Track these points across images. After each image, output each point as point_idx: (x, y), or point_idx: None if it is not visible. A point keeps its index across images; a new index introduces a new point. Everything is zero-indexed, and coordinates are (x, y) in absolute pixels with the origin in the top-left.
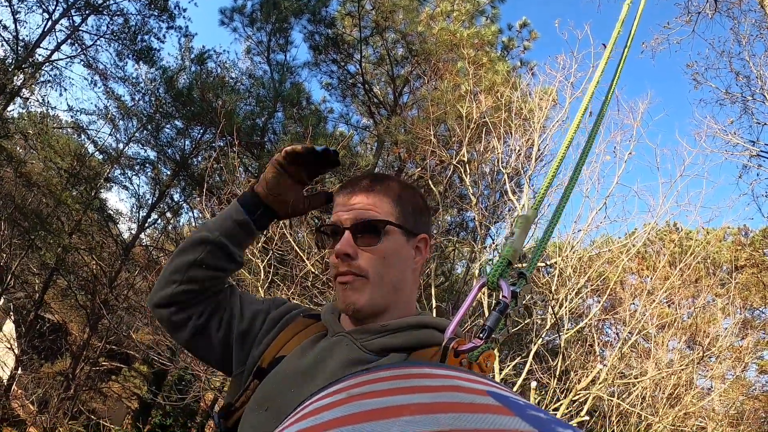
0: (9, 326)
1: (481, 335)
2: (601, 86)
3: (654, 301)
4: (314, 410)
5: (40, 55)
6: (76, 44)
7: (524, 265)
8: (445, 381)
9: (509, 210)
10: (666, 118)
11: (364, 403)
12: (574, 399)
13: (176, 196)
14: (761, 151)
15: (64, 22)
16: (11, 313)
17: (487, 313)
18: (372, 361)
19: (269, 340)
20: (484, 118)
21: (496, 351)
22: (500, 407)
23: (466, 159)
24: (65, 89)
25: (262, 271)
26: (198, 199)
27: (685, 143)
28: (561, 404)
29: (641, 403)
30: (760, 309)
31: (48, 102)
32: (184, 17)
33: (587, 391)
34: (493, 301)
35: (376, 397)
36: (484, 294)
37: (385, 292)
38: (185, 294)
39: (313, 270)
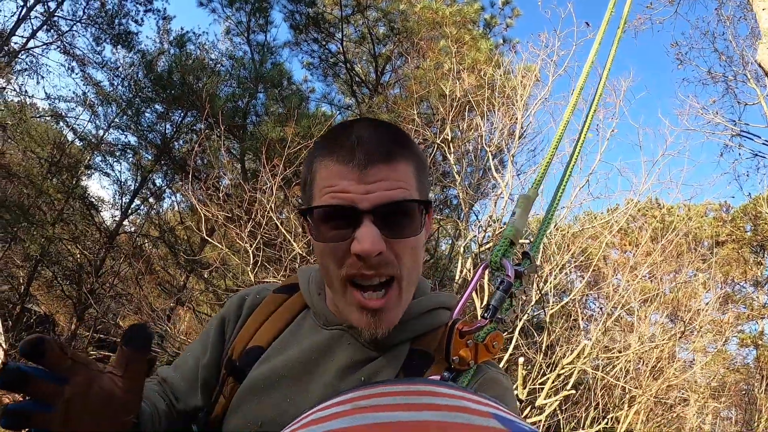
0: None
1: (485, 315)
2: (592, 66)
3: (637, 276)
4: (319, 419)
5: (15, 43)
6: (52, 30)
7: (527, 242)
8: (451, 401)
9: (493, 187)
10: (648, 96)
11: (369, 416)
12: (560, 373)
13: (159, 181)
14: (742, 131)
15: (39, 8)
16: None
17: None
18: (378, 357)
19: (237, 330)
20: (467, 96)
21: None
22: (503, 431)
23: (449, 137)
24: (42, 77)
25: (251, 255)
26: (180, 183)
27: (668, 122)
28: (548, 378)
29: (625, 376)
30: (741, 284)
31: (26, 91)
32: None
33: (572, 365)
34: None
35: (382, 411)
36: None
37: (410, 294)
38: None
39: (300, 252)
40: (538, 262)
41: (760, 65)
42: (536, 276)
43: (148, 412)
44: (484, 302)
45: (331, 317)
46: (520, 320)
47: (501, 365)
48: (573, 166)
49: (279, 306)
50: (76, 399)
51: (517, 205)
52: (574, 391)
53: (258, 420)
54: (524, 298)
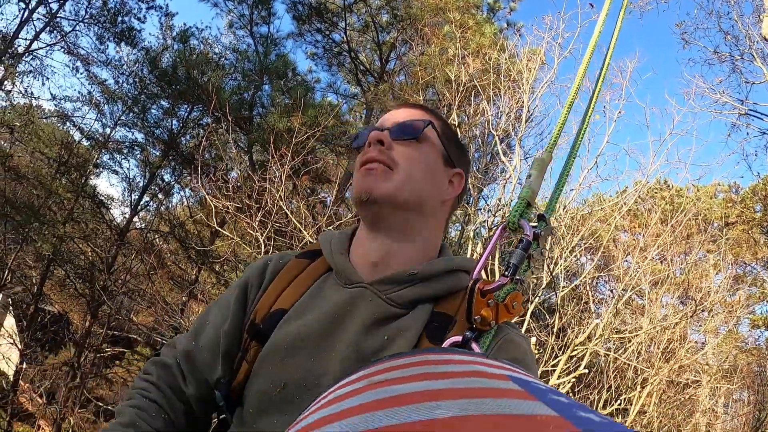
0: (10, 321)
1: (506, 273)
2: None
3: (646, 258)
4: (336, 398)
5: (19, 45)
6: (55, 31)
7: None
8: (466, 367)
9: (501, 171)
10: (654, 77)
11: (384, 389)
12: (571, 355)
13: (167, 177)
14: (750, 110)
15: (41, 9)
16: (11, 308)
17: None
18: (401, 315)
19: (261, 294)
20: (473, 81)
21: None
22: (522, 392)
23: (456, 123)
24: (47, 78)
25: (263, 244)
26: (189, 177)
27: (675, 102)
28: (559, 360)
29: (637, 357)
30: (751, 265)
31: (32, 93)
32: None
33: (584, 347)
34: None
35: (397, 383)
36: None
37: (410, 194)
38: None
39: (311, 240)
40: (554, 224)
41: (765, 38)
42: (547, 253)
43: None
44: (498, 266)
45: (353, 275)
46: (531, 303)
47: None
48: (587, 128)
49: (302, 271)
50: None
51: (533, 167)
52: (586, 371)
53: (281, 381)
54: (535, 281)
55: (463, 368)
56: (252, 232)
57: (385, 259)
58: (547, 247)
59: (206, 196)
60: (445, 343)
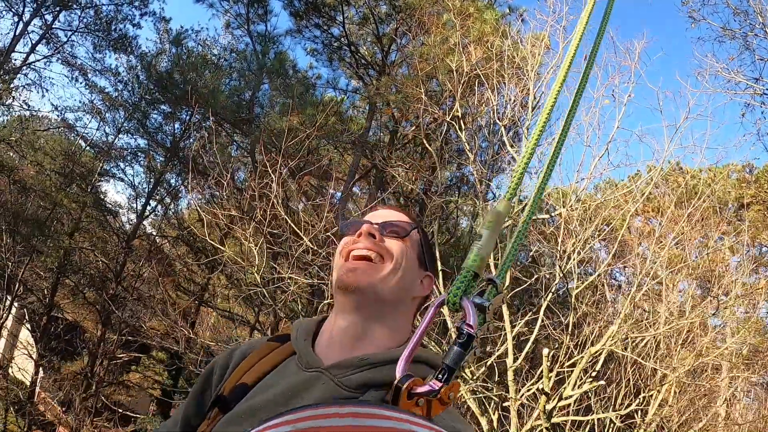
0: (24, 333)
1: (440, 376)
2: (592, 27)
3: (663, 245)
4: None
5: (16, 59)
6: (51, 43)
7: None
8: (398, 424)
9: (509, 162)
10: (664, 58)
11: None
12: (588, 361)
13: (172, 181)
14: (766, 90)
15: (36, 22)
16: (25, 320)
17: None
18: (350, 398)
19: (229, 372)
20: (476, 70)
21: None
22: None
23: (459, 114)
24: (47, 90)
25: (257, 256)
26: (192, 182)
27: (688, 84)
28: (574, 363)
29: (656, 350)
30: None
31: (31, 105)
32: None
33: (602, 347)
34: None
35: None
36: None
37: (393, 288)
38: None
39: (311, 245)
40: (506, 284)
41: None
42: (560, 251)
43: None
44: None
45: (312, 360)
46: (544, 300)
47: (524, 352)
48: (551, 169)
49: (270, 352)
50: None
51: (485, 224)
52: (602, 383)
53: None
54: (548, 276)
55: (394, 425)
56: (245, 242)
57: (354, 341)
58: (491, 321)
59: (198, 210)
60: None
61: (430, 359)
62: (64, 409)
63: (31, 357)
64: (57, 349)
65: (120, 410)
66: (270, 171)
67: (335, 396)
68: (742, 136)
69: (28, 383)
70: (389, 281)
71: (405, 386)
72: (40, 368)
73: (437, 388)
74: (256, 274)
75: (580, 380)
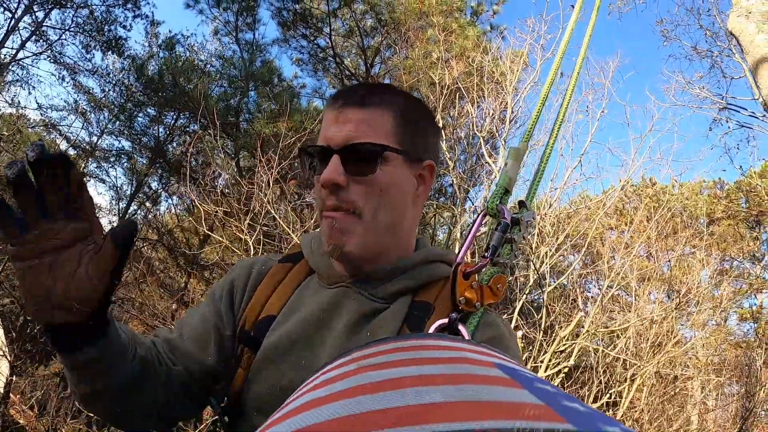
0: None
1: (486, 254)
2: (572, 47)
3: (631, 254)
4: (325, 381)
5: (5, 55)
6: (42, 40)
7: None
8: (453, 353)
9: (486, 173)
10: (636, 76)
11: (374, 374)
12: (559, 350)
13: (154, 185)
14: (729, 104)
15: (27, 18)
16: (0, 321)
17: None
18: (383, 310)
19: (247, 299)
20: (457, 83)
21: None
22: (508, 380)
23: (440, 125)
24: (33, 87)
25: (252, 247)
26: (176, 185)
27: (654, 99)
28: (546, 354)
29: (625, 353)
30: (738, 260)
31: (18, 102)
32: (149, 3)
33: (572, 342)
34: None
35: (385, 368)
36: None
37: (381, 233)
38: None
39: (299, 242)
40: (539, 222)
41: (731, 33)
42: (533, 257)
43: (122, 348)
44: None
45: (335, 275)
46: (519, 301)
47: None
48: (565, 114)
49: (285, 275)
50: (55, 247)
51: (509, 156)
52: (574, 365)
53: (277, 386)
54: (522, 280)
55: (450, 354)
56: (241, 235)
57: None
58: (530, 231)
59: (195, 201)
60: (432, 328)
61: (446, 256)
62: (38, 412)
63: (6, 358)
64: (33, 351)
65: (94, 415)
66: (262, 170)
67: (370, 309)
68: (709, 148)
69: (1, 386)
70: (373, 234)
71: (460, 268)
72: (15, 370)
73: (485, 263)
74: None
75: (554, 365)
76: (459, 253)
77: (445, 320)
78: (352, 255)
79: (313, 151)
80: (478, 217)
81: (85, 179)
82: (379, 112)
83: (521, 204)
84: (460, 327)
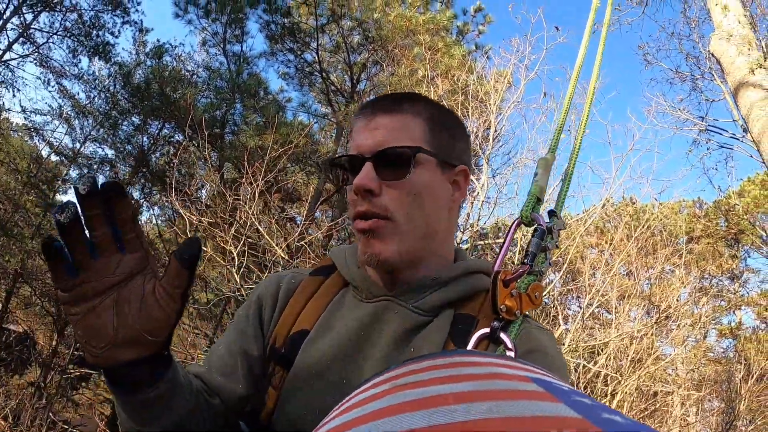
0: None
1: (525, 261)
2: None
3: (611, 271)
4: (361, 401)
5: None
6: (29, 43)
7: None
8: (488, 369)
9: (470, 190)
10: (617, 96)
11: (408, 393)
12: None
13: (136, 194)
14: (709, 125)
15: (15, 20)
16: None
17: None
18: (427, 323)
19: (277, 315)
20: (441, 101)
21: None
22: (544, 393)
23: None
24: (18, 90)
25: (236, 258)
26: (159, 195)
27: (635, 119)
28: None
29: (606, 367)
30: (717, 277)
31: (3, 104)
32: (137, 11)
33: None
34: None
35: (420, 387)
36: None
37: (417, 239)
38: None
39: (283, 255)
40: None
41: (712, 55)
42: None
43: (182, 379)
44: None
45: (374, 288)
46: None
47: None
48: (586, 124)
49: (317, 288)
50: (114, 284)
51: (538, 166)
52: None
53: (316, 408)
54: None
55: (485, 370)
56: (226, 246)
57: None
58: (560, 239)
59: (181, 211)
60: (474, 336)
61: (486, 268)
62: (11, 423)
63: None
64: (8, 359)
65: (68, 427)
66: (246, 182)
67: (414, 324)
68: (688, 168)
69: None
70: (409, 240)
71: (500, 277)
72: None
73: (525, 270)
74: (236, 275)
75: None
76: (497, 261)
77: (487, 330)
78: (389, 262)
79: (344, 161)
80: (512, 225)
81: (135, 207)
82: (411, 117)
83: (551, 213)
84: (502, 335)
